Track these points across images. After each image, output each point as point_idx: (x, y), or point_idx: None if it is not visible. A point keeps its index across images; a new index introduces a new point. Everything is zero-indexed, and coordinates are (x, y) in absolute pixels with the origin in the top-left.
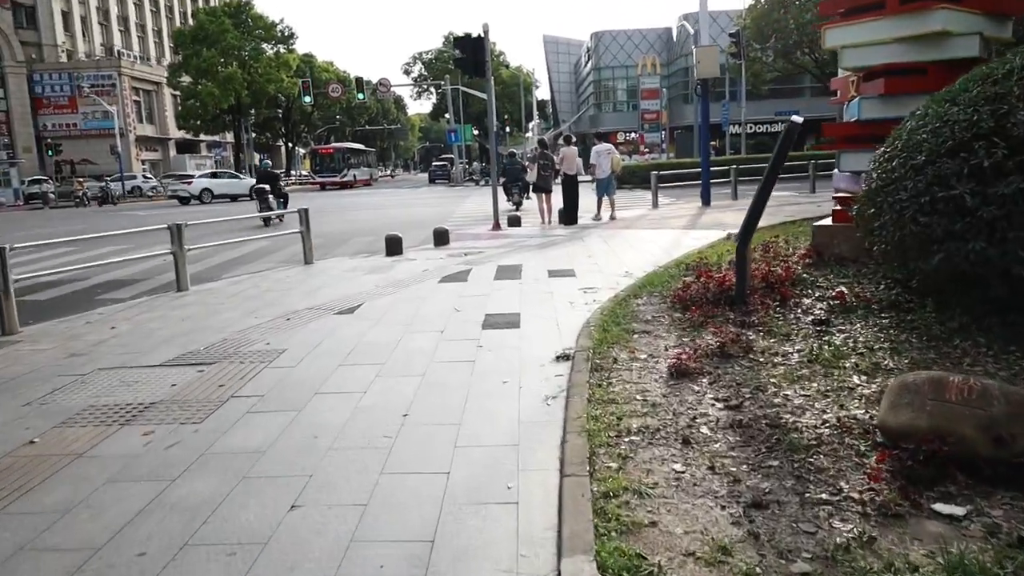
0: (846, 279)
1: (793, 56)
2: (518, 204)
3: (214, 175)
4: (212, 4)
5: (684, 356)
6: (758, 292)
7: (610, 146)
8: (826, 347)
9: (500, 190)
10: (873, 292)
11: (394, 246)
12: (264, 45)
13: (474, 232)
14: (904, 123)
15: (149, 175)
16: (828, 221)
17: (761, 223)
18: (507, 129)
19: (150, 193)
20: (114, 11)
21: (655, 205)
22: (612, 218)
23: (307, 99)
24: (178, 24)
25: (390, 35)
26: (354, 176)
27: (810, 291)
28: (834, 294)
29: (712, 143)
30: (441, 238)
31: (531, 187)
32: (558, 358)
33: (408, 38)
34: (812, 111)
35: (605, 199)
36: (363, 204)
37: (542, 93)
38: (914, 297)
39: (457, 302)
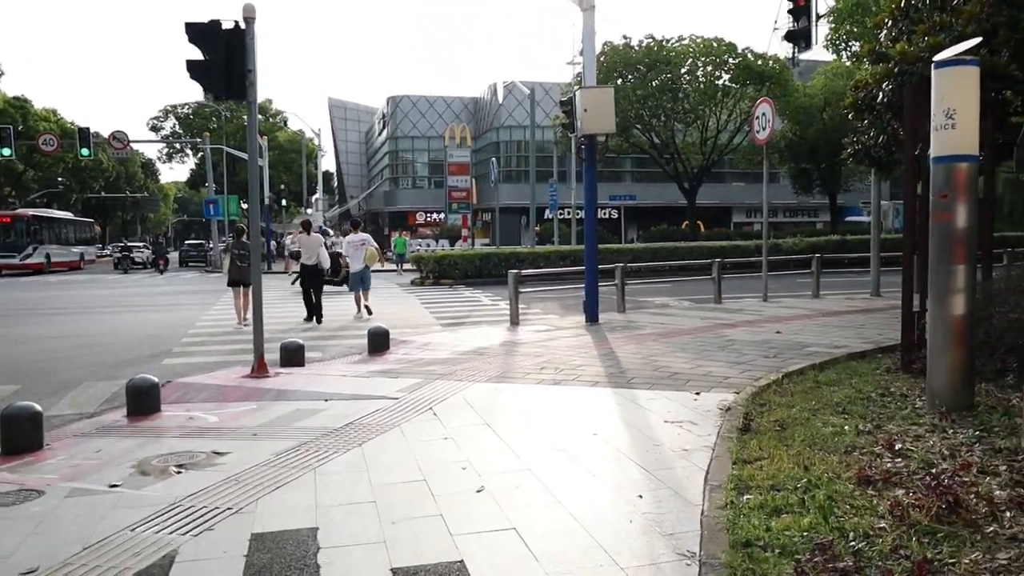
0: None
1: (629, 132)
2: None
3: None
4: None
5: None
6: None
7: (366, 236)
8: None
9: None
10: None
11: (22, 433)
12: None
13: (218, 380)
14: None
15: None
16: None
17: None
18: (283, 202)
19: None
20: None
21: (515, 322)
22: (360, 315)
23: (6, 152)
24: None
25: (142, 86)
26: (47, 257)
27: None
28: None
29: (536, 228)
30: (142, 401)
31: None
32: None
33: (163, 91)
34: (644, 197)
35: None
36: (61, 302)
37: (328, 163)
38: None
39: None
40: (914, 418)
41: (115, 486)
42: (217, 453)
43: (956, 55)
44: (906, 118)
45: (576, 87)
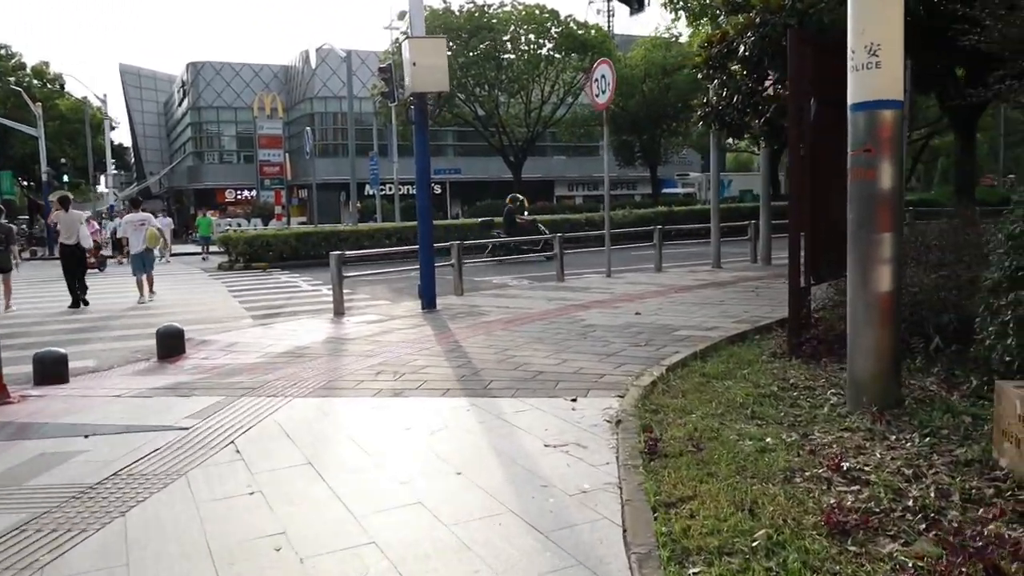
0: None
1: (452, 103)
2: None
3: None
4: None
5: None
6: None
7: (146, 216)
8: None
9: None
10: None
11: None
12: None
13: None
14: None
15: None
16: None
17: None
18: (66, 178)
19: None
20: None
21: (339, 312)
22: (149, 296)
23: None
24: None
25: None
26: None
27: None
28: None
29: (357, 205)
30: None
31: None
32: None
33: None
34: (468, 171)
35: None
36: None
37: (123, 136)
38: None
39: None
40: (839, 420)
41: None
42: None
43: None
44: (790, 66)
45: (403, 38)
